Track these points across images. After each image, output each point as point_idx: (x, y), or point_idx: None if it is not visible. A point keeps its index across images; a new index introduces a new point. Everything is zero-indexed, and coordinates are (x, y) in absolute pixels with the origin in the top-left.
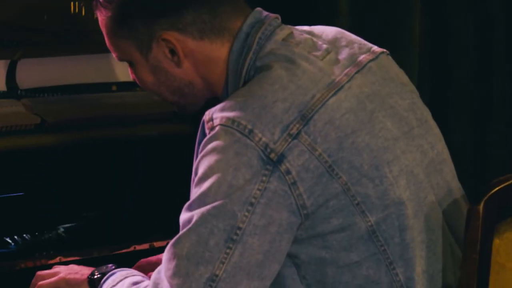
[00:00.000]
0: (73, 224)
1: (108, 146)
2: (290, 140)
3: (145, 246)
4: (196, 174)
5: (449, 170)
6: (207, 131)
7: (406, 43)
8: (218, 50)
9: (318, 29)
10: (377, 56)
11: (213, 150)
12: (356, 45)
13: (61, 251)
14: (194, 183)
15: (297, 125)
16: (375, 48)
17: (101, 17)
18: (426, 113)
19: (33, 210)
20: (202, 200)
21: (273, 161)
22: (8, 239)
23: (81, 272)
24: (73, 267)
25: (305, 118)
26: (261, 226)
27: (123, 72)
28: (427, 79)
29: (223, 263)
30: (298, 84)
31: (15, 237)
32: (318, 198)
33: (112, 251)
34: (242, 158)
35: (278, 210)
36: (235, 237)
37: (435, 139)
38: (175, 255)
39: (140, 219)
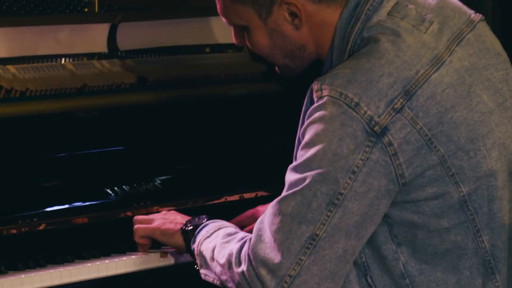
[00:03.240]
0: (169, 177)
1: (202, 103)
2: (393, 114)
3: (236, 197)
4: (302, 138)
5: None
6: (315, 99)
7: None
8: (332, 15)
9: None
10: (475, 25)
11: (320, 119)
12: (457, 15)
13: (158, 202)
14: (301, 147)
15: (401, 100)
16: (473, 15)
17: None
18: None
19: (132, 163)
20: (308, 165)
21: (376, 133)
22: (109, 190)
23: (175, 221)
24: (168, 216)
25: (409, 93)
26: (361, 192)
27: (216, 35)
28: None
29: (323, 224)
30: (404, 59)
31: (116, 188)
32: (416, 169)
33: (205, 202)
34: (347, 129)
35: (378, 178)
36: (336, 201)
37: None
38: (280, 212)
39: (231, 173)
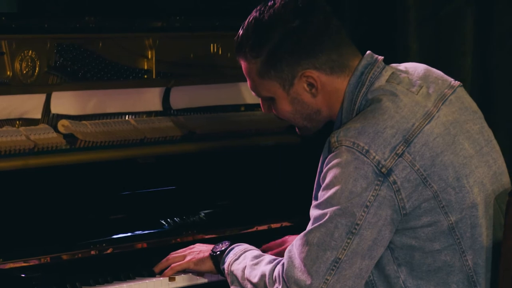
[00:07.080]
0: (211, 210)
1: (238, 152)
2: (396, 158)
3: (264, 227)
4: (323, 181)
5: (506, 179)
6: (332, 149)
7: (460, 76)
8: (341, 83)
9: (411, 67)
10: (455, 89)
11: (337, 164)
12: (440, 81)
13: (202, 231)
14: (322, 188)
15: (402, 147)
16: (453, 82)
17: (249, 64)
18: (491, 134)
19: (182, 200)
20: (329, 202)
21: (383, 174)
22: (162, 221)
23: (203, 251)
24: (195, 249)
25: (407, 141)
26: (373, 222)
27: (249, 97)
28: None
29: (344, 249)
30: (402, 114)
31: (168, 219)
32: (415, 202)
33: (240, 230)
34: (360, 171)
35: (385, 210)
36: (354, 230)
37: (497, 155)
38: (307, 242)
39: (260, 207)
